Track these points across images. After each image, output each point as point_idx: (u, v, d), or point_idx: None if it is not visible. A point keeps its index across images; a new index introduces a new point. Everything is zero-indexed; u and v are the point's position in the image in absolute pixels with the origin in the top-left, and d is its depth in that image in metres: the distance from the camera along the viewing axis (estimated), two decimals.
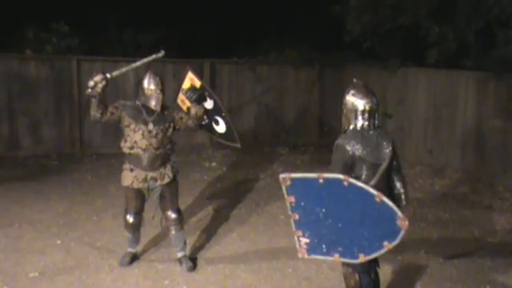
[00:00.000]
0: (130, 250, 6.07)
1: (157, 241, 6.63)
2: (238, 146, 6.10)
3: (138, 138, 5.58)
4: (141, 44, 13.16)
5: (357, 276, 4.46)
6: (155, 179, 5.70)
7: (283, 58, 12.55)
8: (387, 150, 4.39)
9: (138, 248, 6.19)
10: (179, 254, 5.98)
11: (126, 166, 5.72)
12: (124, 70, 5.58)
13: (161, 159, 5.71)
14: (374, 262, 4.57)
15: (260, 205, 8.22)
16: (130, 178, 5.67)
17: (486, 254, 6.49)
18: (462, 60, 9.84)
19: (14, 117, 10.80)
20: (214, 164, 10.31)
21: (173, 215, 5.86)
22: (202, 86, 5.94)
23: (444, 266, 6.07)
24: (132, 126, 5.60)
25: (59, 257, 6.16)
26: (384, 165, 4.34)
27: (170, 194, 5.83)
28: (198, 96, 5.82)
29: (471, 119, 9.68)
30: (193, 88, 5.89)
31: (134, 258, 6.08)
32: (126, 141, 5.65)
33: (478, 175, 9.48)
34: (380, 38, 10.94)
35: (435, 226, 7.35)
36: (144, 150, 5.59)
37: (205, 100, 5.87)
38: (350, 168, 4.28)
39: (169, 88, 12.33)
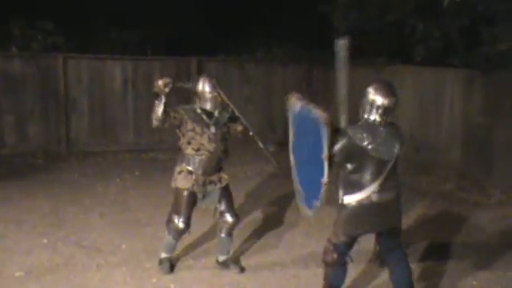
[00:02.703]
0: (166, 255, 5.82)
1: (144, 239, 6.60)
2: (274, 163, 6.12)
3: (205, 141, 5.49)
4: (127, 42, 13.11)
5: (335, 254, 4.62)
6: (215, 183, 5.64)
7: (271, 56, 12.55)
8: (395, 149, 4.49)
9: (124, 246, 6.15)
10: (223, 258, 5.86)
11: (184, 167, 5.56)
12: (182, 84, 5.91)
13: (221, 162, 5.69)
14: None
15: (248, 203, 8.21)
16: (190, 180, 5.53)
17: (472, 250, 6.53)
18: (448, 58, 9.88)
19: None
20: None
21: (231, 219, 5.72)
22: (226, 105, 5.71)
23: (431, 262, 6.09)
24: (197, 130, 5.48)
25: (45, 256, 6.11)
26: (391, 163, 4.46)
27: (227, 198, 5.74)
28: (229, 117, 5.66)
29: (457, 117, 9.73)
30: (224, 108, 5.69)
31: (173, 263, 5.90)
32: (190, 143, 5.51)
33: (464, 172, 9.53)
34: (367, 36, 10.96)
35: (422, 222, 7.39)
36: (211, 152, 5.52)
37: (237, 119, 5.67)
38: (350, 155, 4.43)
39: None
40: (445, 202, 8.41)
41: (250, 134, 5.69)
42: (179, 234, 5.67)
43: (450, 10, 9.20)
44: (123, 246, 6.45)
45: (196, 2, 14.85)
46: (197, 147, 5.50)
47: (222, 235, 5.79)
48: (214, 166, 5.61)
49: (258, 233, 7.01)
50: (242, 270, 5.86)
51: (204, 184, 5.59)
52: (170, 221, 5.66)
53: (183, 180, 5.55)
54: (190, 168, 5.55)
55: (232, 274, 5.77)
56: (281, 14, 14.07)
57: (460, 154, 9.73)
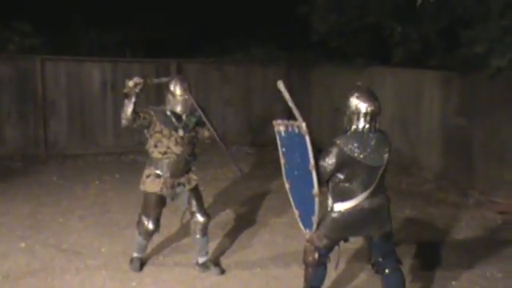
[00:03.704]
0: (137, 255, 5.91)
1: (124, 242, 6.56)
2: (239, 174, 6.09)
3: (171, 144, 5.50)
4: (106, 44, 13.03)
5: (316, 255, 4.62)
6: (183, 185, 5.66)
7: (250, 57, 12.55)
8: (385, 154, 4.52)
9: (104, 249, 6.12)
10: (202, 260, 5.87)
11: (153, 171, 5.59)
12: (156, 81, 5.81)
13: (189, 165, 5.70)
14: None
15: (227, 204, 8.20)
16: (159, 184, 5.55)
17: (451, 250, 6.59)
18: (426, 59, 9.95)
19: None
20: None
21: (202, 219, 5.74)
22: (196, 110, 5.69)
23: (410, 262, 6.13)
24: (165, 132, 5.49)
25: (24, 260, 6.04)
26: (382, 169, 4.50)
27: (196, 198, 5.76)
28: (195, 122, 5.65)
29: (436, 118, 9.80)
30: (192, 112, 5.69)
31: (143, 262, 5.98)
32: (156, 146, 5.53)
33: (443, 173, 9.61)
34: (346, 38, 11.00)
35: (402, 223, 7.43)
36: (178, 155, 5.53)
37: (204, 124, 5.64)
38: (341, 166, 4.41)
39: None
40: (424, 202, 8.47)
41: (217, 140, 5.66)
42: (149, 234, 5.75)
43: (429, 13, 9.28)
44: (103, 249, 6.41)
45: (175, 4, 14.80)
46: (163, 150, 5.52)
47: (197, 236, 5.80)
48: (182, 168, 5.62)
49: (238, 233, 7.00)
50: (223, 271, 5.85)
51: (173, 187, 5.62)
52: (139, 222, 5.73)
53: (151, 184, 5.58)
54: (158, 172, 5.58)
55: (213, 276, 5.75)
56: (260, 15, 14.08)
57: (439, 155, 9.81)
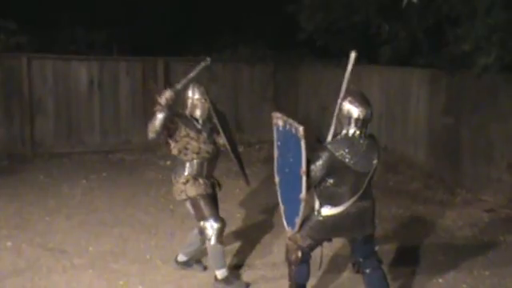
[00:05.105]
0: (223, 269, 5.50)
1: (111, 240, 6.53)
2: (247, 184, 5.92)
3: (201, 145, 5.48)
4: (93, 42, 12.95)
5: (299, 253, 4.61)
6: (215, 185, 5.68)
7: (237, 56, 12.54)
8: (374, 161, 4.50)
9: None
10: (183, 259, 5.83)
11: (188, 176, 5.48)
12: (184, 81, 5.56)
13: (216, 164, 5.69)
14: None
15: None
16: (199, 185, 5.45)
17: (438, 248, 6.61)
18: (413, 58, 9.99)
19: None
20: (168, 162, 10.20)
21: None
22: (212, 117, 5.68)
23: (397, 260, 6.15)
24: (192, 135, 5.46)
25: (10, 259, 6.01)
26: (370, 174, 4.49)
27: (216, 203, 5.70)
28: (210, 128, 5.62)
29: (423, 116, 9.84)
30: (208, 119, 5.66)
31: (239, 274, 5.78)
32: (187, 149, 5.47)
33: (430, 171, 9.64)
34: (334, 36, 11.01)
35: (389, 221, 7.45)
36: (210, 153, 5.52)
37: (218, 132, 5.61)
38: (331, 171, 4.38)
39: (123, 87, 12.08)
40: (411, 200, 8.49)
41: (229, 150, 5.61)
42: (220, 234, 5.44)
43: (416, 11, 9.31)
44: (90, 248, 6.38)
45: (163, 2, 14.75)
46: (197, 150, 5.47)
47: (200, 236, 5.64)
48: (213, 167, 5.63)
49: (226, 234, 6.96)
50: (205, 268, 5.83)
51: (212, 186, 5.60)
52: (203, 231, 5.45)
53: (192, 187, 5.46)
54: (193, 174, 5.49)
55: (200, 276, 5.74)
56: (248, 14, 14.06)
57: (426, 153, 9.85)
